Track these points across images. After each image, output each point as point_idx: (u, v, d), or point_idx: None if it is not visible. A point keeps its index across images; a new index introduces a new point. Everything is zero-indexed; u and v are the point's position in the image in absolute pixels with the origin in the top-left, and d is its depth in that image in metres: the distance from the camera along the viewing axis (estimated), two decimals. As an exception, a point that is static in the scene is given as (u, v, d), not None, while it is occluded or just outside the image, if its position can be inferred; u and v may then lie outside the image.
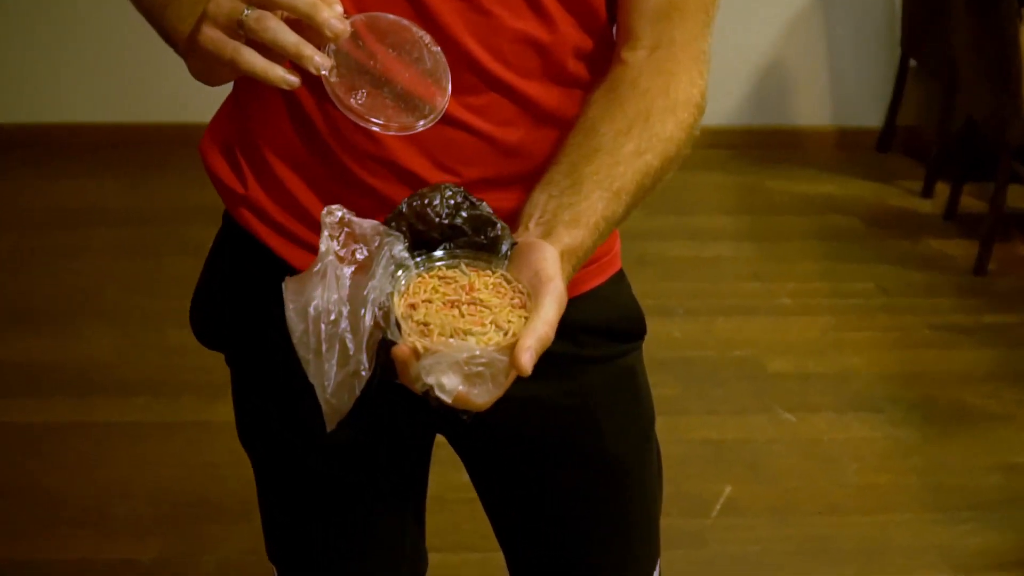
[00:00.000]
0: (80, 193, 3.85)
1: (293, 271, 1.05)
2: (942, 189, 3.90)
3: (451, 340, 0.81)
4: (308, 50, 0.87)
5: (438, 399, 0.81)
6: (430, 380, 0.80)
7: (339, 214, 0.88)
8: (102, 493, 2.43)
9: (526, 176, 1.06)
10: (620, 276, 1.22)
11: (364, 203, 1.04)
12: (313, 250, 0.99)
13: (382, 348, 0.83)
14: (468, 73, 1.02)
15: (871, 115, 4.45)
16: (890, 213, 3.96)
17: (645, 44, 1.08)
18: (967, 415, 2.79)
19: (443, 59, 0.93)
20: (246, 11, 0.88)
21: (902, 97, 4.34)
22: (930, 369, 3.01)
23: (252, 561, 1.96)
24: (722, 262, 3.53)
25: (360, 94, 0.92)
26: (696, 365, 2.94)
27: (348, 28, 0.89)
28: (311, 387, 0.92)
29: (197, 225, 3.32)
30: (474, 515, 1.40)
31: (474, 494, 1.29)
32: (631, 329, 1.23)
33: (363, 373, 0.84)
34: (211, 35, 0.91)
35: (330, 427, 0.89)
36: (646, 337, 1.21)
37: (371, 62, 0.93)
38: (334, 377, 0.84)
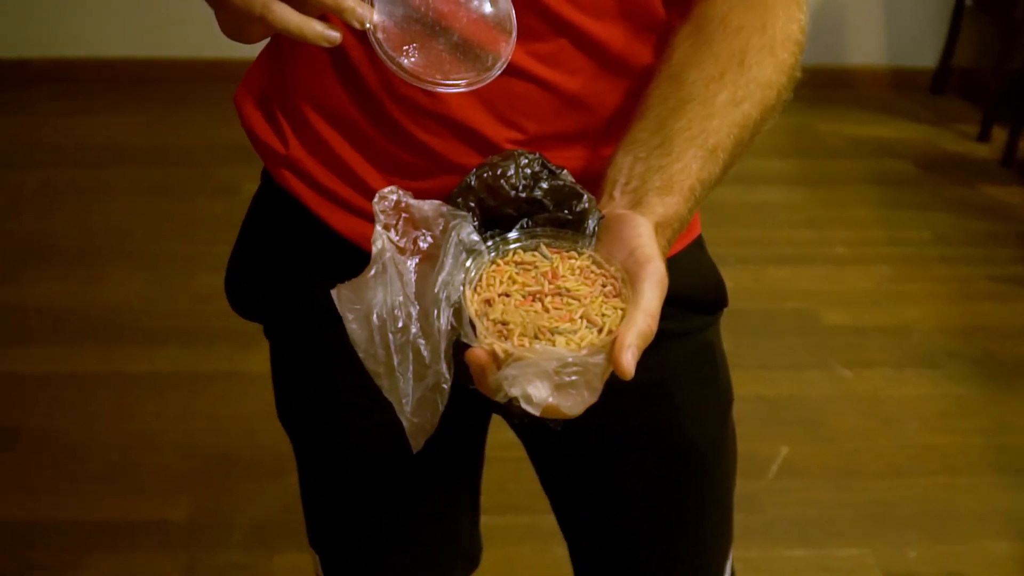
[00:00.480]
0: (106, 130, 3.78)
1: (338, 238, 1.02)
2: (999, 133, 3.80)
3: (536, 344, 0.69)
4: (348, 1, 0.78)
5: (523, 411, 0.68)
6: (514, 391, 0.68)
7: (393, 198, 0.78)
8: (129, 447, 2.36)
9: (596, 132, 0.97)
10: (700, 242, 1.10)
11: (418, 163, 0.97)
12: (362, 215, 0.95)
13: (457, 351, 0.72)
14: (533, 15, 0.90)
15: (926, 55, 4.36)
16: (946, 158, 3.88)
17: None
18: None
19: None
20: None
21: (958, 36, 4.23)
22: (991, 323, 2.93)
23: (288, 520, 1.87)
24: (772, 208, 3.45)
25: (412, 49, 0.81)
26: (748, 317, 2.83)
27: None
28: (353, 366, 0.81)
29: (229, 166, 3.21)
30: (520, 474, 1.33)
31: (521, 452, 1.19)
32: (713, 300, 1.12)
33: (444, 386, 0.73)
34: None
35: (416, 447, 0.80)
36: None
37: (423, 8, 0.82)
38: (412, 393, 0.73)
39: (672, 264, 1.02)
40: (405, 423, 0.78)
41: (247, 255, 1.15)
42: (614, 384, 0.98)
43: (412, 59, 0.81)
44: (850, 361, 2.70)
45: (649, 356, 1.02)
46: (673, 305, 1.02)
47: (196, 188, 3.41)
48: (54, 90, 4.01)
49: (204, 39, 3.78)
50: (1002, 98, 3.86)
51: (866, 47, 4.39)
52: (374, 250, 0.78)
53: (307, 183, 1.04)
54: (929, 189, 3.62)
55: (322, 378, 1.11)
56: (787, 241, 3.28)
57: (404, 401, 0.75)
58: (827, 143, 3.92)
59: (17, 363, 2.60)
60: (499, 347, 0.70)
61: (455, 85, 0.82)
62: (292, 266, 1.09)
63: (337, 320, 0.86)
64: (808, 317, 2.89)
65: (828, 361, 2.69)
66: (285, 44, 1.06)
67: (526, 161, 0.80)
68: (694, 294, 1.10)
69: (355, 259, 0.95)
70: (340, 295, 0.78)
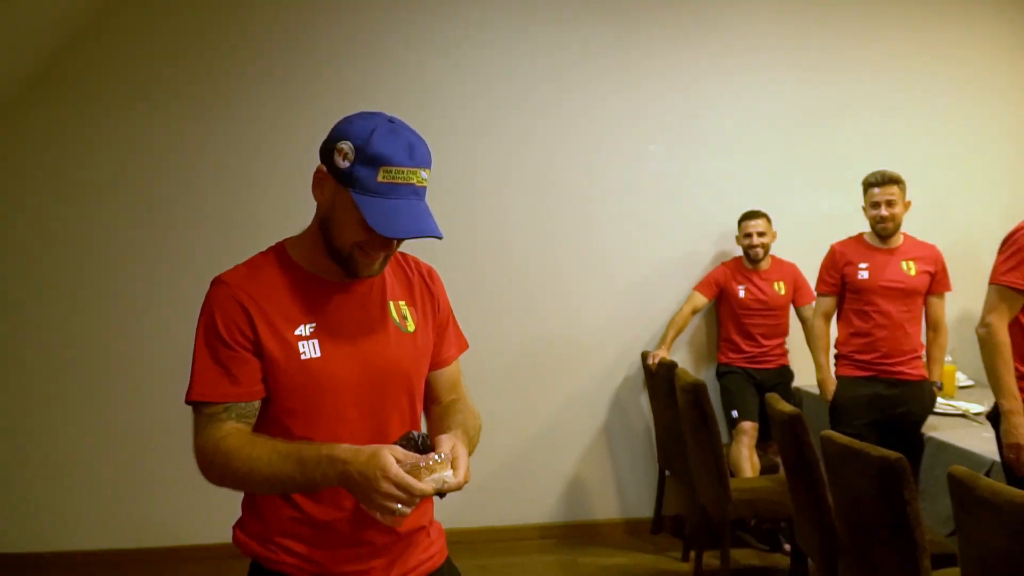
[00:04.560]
0: None
1: None
2: (693, 555, 4.25)
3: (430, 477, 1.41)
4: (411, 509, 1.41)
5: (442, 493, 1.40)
6: (436, 485, 1.40)
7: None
8: None
9: None
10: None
11: (347, 543, 1.56)
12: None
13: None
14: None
15: (645, 508, 4.93)
16: (661, 572, 4.30)
17: (444, 399, 1.72)
18: None
19: None
20: (399, 505, 1.39)
21: (664, 495, 4.83)
22: None
23: None
24: None
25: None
26: None
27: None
28: None
29: None
30: None
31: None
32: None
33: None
34: (387, 493, 1.38)
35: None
36: None
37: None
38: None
39: (445, 567, 1.72)
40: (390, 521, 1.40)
41: None
42: None
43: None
44: None
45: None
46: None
47: None
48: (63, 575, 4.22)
49: (173, 530, 4.38)
50: (693, 533, 4.31)
51: (606, 507, 4.91)
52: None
53: (281, 565, 1.56)
54: None
55: None
56: None
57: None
58: (585, 570, 4.32)
59: None
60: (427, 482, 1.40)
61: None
62: None
63: None
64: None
65: None
66: (268, 498, 1.56)
67: (415, 434, 1.50)
68: None
69: None
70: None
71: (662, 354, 4.66)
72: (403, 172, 1.48)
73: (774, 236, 4.80)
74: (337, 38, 4.64)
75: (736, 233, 4.89)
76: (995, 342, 3.14)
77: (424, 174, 1.51)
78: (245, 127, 4.57)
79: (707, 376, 4.92)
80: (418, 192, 1.51)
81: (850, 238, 4.23)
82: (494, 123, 4.78)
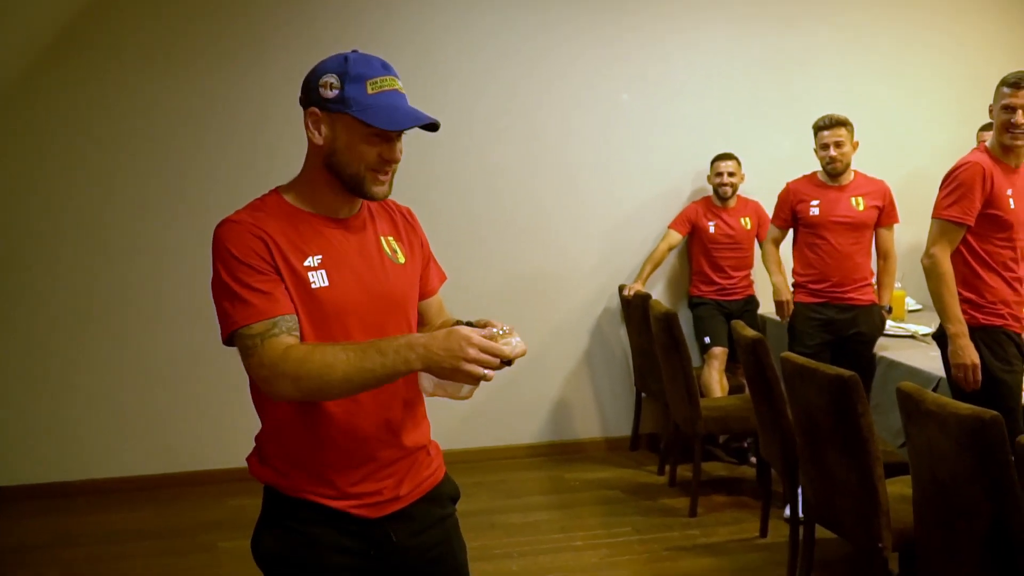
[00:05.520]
0: (124, 520, 4.14)
1: (325, 509, 1.56)
2: (668, 469, 4.47)
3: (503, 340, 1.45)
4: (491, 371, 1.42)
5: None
6: (508, 350, 1.44)
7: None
8: None
9: None
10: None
11: (355, 463, 1.57)
12: (335, 498, 1.57)
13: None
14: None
15: (624, 427, 5.06)
16: (640, 486, 4.46)
17: (435, 323, 1.75)
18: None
19: None
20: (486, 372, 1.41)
21: (640, 415, 4.98)
22: (667, 572, 3.45)
23: None
24: (538, 523, 3.98)
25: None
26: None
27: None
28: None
29: (209, 534, 3.91)
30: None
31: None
32: (457, 496, 1.78)
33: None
34: (473, 363, 1.40)
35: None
36: None
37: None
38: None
39: (445, 481, 1.74)
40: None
41: (266, 531, 1.62)
42: (435, 528, 1.67)
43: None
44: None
45: (437, 526, 1.70)
46: (450, 501, 1.80)
47: (185, 549, 3.81)
48: (89, 500, 4.36)
49: (188, 458, 4.51)
50: (667, 449, 4.53)
51: (589, 426, 5.03)
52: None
53: (301, 491, 1.56)
54: (630, 504, 4.20)
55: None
56: (548, 541, 3.79)
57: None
58: (570, 484, 4.51)
59: None
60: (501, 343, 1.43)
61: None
62: (299, 528, 1.57)
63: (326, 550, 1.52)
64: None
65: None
66: (286, 428, 1.55)
67: (465, 321, 1.52)
68: (453, 494, 1.75)
69: (336, 518, 1.56)
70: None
71: (638, 287, 4.76)
72: (386, 80, 1.54)
73: (743, 177, 4.87)
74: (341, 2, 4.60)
75: (708, 173, 4.88)
76: (939, 272, 3.20)
77: (400, 83, 1.57)
78: (254, 85, 4.58)
79: (680, 308, 5.00)
80: (403, 96, 1.56)
81: (804, 176, 4.28)
82: (485, 76, 4.82)
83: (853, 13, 5.19)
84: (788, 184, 4.33)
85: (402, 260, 1.67)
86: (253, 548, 1.63)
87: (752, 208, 4.92)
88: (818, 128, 4.13)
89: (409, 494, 1.67)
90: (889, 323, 4.34)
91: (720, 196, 4.86)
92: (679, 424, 4.31)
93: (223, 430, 4.52)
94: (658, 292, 5.06)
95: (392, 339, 1.46)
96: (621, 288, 4.91)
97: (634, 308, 4.67)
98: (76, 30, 4.40)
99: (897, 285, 4.51)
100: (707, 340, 4.76)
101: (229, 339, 1.53)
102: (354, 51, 1.59)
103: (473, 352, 1.39)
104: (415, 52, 4.70)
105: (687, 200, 5.08)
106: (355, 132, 1.53)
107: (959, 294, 3.26)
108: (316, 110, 1.55)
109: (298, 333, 1.51)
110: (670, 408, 4.38)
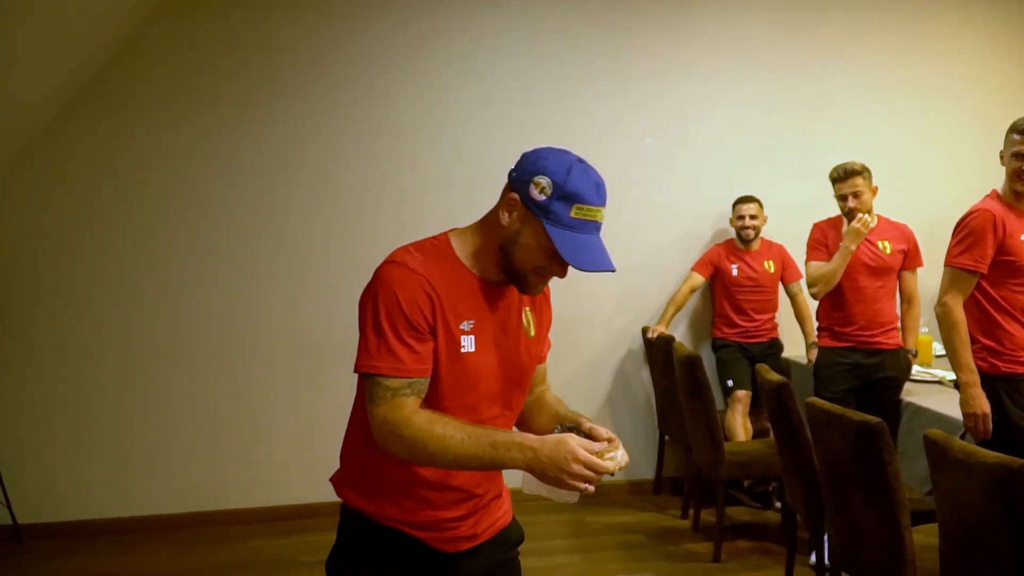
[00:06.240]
0: (145, 561, 4.14)
1: (408, 539, 1.62)
2: (692, 513, 4.40)
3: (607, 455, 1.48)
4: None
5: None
6: (611, 465, 1.48)
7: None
8: None
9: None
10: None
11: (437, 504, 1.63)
12: (417, 528, 1.62)
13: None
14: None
15: (647, 470, 5.00)
16: (662, 529, 4.40)
17: (536, 390, 1.81)
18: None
19: None
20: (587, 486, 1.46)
21: (664, 458, 4.94)
22: None
23: None
24: (562, 567, 3.91)
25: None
26: None
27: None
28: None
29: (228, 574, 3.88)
30: None
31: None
32: (520, 540, 1.83)
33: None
34: (576, 478, 1.45)
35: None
36: None
37: None
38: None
39: (513, 524, 1.79)
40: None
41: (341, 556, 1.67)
42: (499, 570, 1.73)
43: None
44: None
45: (502, 568, 1.74)
46: (515, 545, 1.80)
47: None
48: (108, 539, 4.39)
49: (206, 498, 4.50)
50: (690, 493, 4.47)
51: None
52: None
53: (387, 519, 1.62)
54: (653, 549, 4.13)
55: None
56: None
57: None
58: (592, 528, 4.43)
59: None
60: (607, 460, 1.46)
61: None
62: (378, 555, 1.62)
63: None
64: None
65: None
66: (384, 465, 1.58)
67: (569, 425, 1.60)
68: (518, 537, 1.80)
69: (418, 550, 1.62)
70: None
71: (661, 329, 4.72)
72: (593, 210, 1.55)
73: (765, 219, 4.83)
74: (353, 51, 4.71)
75: (730, 216, 4.86)
76: (951, 320, 3.16)
77: (603, 213, 1.59)
78: (270, 131, 4.63)
79: (703, 350, 4.97)
80: (599, 228, 1.58)
81: (829, 220, 4.23)
82: (501, 118, 4.85)
83: (871, 60, 5.21)
84: (816, 223, 4.28)
85: (533, 333, 1.71)
86: (329, 568, 1.68)
87: (776, 251, 4.89)
88: (833, 180, 4.09)
89: (483, 533, 1.72)
90: (916, 368, 4.28)
91: (743, 239, 4.85)
92: (702, 468, 4.26)
93: (241, 470, 4.57)
94: (680, 333, 5.03)
95: (507, 434, 1.50)
96: (645, 330, 4.88)
97: (657, 350, 4.63)
98: (99, 77, 4.49)
99: (924, 330, 4.45)
100: (730, 383, 4.71)
101: (361, 373, 1.56)
102: (582, 160, 1.59)
103: (577, 468, 1.43)
104: (430, 100, 4.76)
105: (708, 242, 5.06)
106: (540, 241, 1.55)
107: (978, 342, 3.21)
108: (518, 199, 1.56)
109: (423, 395, 1.55)
110: (693, 451, 4.32)
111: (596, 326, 4.93)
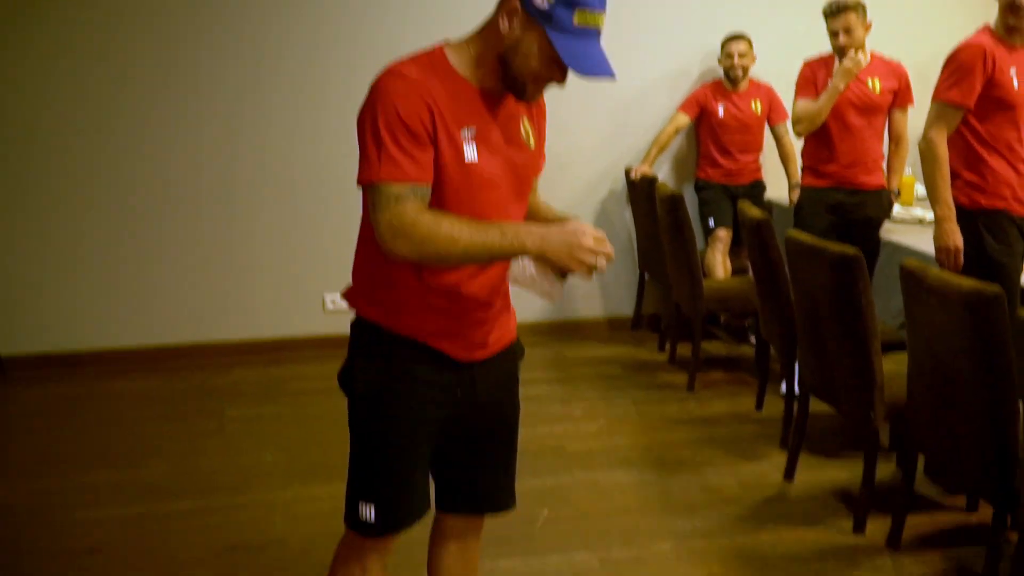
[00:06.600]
0: (140, 385, 4.24)
1: (427, 349, 1.64)
2: (668, 347, 4.55)
3: None
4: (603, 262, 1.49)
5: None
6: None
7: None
8: None
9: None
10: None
11: (472, 332, 1.69)
12: (432, 336, 1.64)
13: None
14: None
15: (626, 307, 5.08)
16: (639, 362, 4.55)
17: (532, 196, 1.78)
18: (682, 464, 3.32)
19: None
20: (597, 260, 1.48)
21: (643, 295, 4.99)
22: (663, 440, 3.54)
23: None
24: (542, 398, 4.03)
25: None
26: (524, 450, 3.10)
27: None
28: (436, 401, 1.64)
29: (212, 401, 3.92)
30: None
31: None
32: (521, 353, 1.86)
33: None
34: (588, 252, 1.47)
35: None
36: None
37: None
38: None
39: (517, 340, 1.83)
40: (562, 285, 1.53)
41: (356, 365, 1.67)
42: (506, 382, 1.80)
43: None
44: (584, 467, 3.27)
45: (509, 381, 1.81)
46: (518, 357, 1.88)
47: (192, 415, 3.89)
48: (94, 369, 4.42)
49: (188, 331, 4.55)
50: (668, 328, 4.61)
51: (591, 306, 5.04)
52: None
53: (405, 329, 1.62)
54: (630, 379, 4.27)
55: (411, 397, 1.64)
56: (549, 411, 3.87)
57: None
58: (571, 361, 4.56)
59: None
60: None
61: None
62: (398, 361, 1.63)
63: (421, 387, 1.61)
64: (558, 447, 3.49)
65: (571, 468, 3.28)
66: (400, 278, 1.60)
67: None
68: (520, 351, 1.85)
69: (433, 357, 1.64)
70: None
71: (644, 169, 4.68)
72: (595, 16, 1.51)
73: (754, 58, 4.72)
74: None
75: (718, 55, 4.74)
76: (933, 155, 3.15)
77: (604, 19, 1.55)
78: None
79: (687, 191, 4.93)
80: (599, 35, 1.54)
81: (820, 57, 4.12)
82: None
83: None
84: (806, 61, 4.16)
85: (532, 145, 1.70)
86: (343, 379, 1.69)
87: (764, 91, 4.80)
88: (826, 15, 3.96)
89: (495, 343, 1.75)
90: (897, 208, 4.29)
91: (730, 79, 4.74)
92: (681, 304, 4.33)
93: (226, 303, 4.60)
94: (664, 174, 4.98)
95: (514, 223, 1.54)
96: (628, 170, 4.83)
97: (640, 190, 4.61)
98: None
99: (908, 171, 4.44)
100: (711, 222, 4.71)
101: (364, 184, 1.55)
102: None
103: (590, 242, 1.46)
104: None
105: (696, 81, 4.95)
106: (542, 49, 1.52)
107: (961, 176, 3.21)
108: (518, 5, 1.52)
109: (427, 203, 1.54)
110: (673, 289, 4.39)
111: (578, 165, 4.86)
